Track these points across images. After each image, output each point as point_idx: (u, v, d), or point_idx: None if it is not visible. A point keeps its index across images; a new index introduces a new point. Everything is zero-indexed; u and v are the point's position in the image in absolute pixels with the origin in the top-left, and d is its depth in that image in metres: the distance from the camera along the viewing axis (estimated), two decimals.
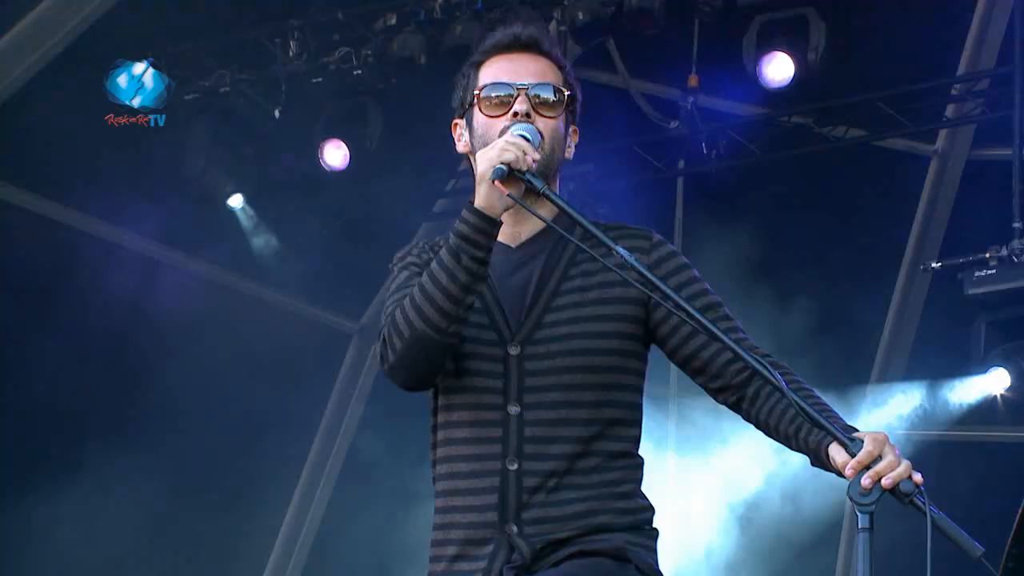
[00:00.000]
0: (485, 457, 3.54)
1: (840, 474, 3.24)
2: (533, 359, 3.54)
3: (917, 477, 3.15)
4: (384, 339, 3.52)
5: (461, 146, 3.69)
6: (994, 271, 8.90)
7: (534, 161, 3.43)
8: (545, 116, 3.59)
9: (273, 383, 10.38)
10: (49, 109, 9.44)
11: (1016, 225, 8.91)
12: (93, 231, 10.07)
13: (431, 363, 3.50)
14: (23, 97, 9.55)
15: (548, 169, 3.56)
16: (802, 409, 3.25)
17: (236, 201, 10.22)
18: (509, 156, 3.39)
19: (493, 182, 3.38)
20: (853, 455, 3.19)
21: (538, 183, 3.42)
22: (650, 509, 3.61)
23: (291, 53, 9.82)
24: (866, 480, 3.15)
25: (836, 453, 3.26)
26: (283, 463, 11.09)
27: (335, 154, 10.00)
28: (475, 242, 3.40)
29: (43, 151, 9.52)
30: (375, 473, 10.91)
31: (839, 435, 3.23)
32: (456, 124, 3.70)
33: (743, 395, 3.57)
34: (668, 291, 3.38)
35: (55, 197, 9.94)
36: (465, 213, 3.42)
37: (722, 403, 3.63)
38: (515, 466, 3.51)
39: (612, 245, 3.37)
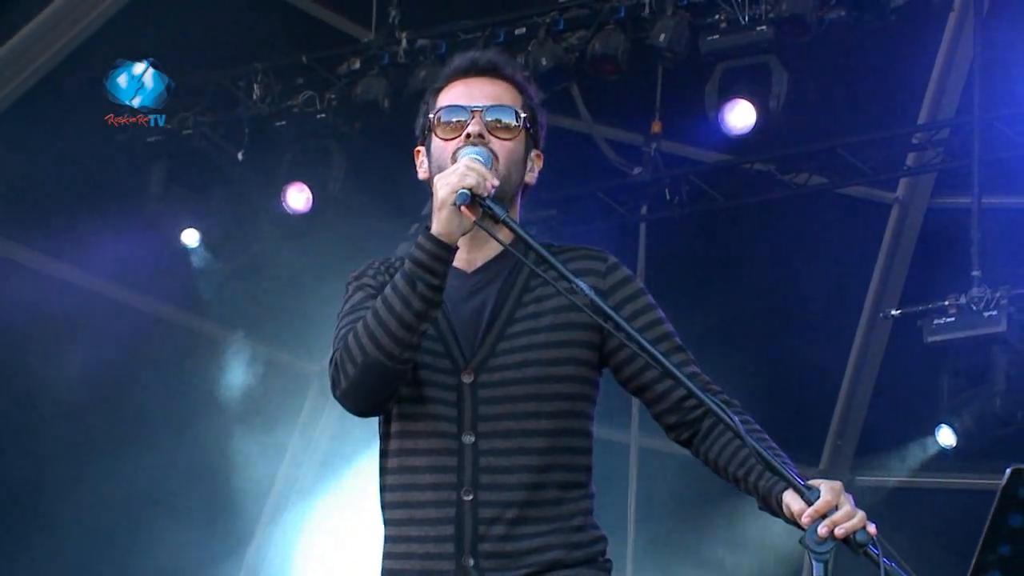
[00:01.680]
0: (440, 487, 3.50)
1: (793, 521, 3.24)
2: (487, 387, 3.51)
3: (871, 528, 3.16)
4: (336, 364, 3.49)
5: (421, 173, 3.67)
6: (953, 319, 8.94)
7: (493, 186, 3.40)
8: (501, 138, 3.57)
9: (234, 424, 10.35)
10: (8, 148, 9.45)
11: (975, 274, 8.96)
12: (47, 269, 10.04)
13: (384, 389, 3.47)
14: None
15: (504, 193, 3.53)
16: (759, 454, 3.25)
17: (191, 239, 10.16)
18: (471, 180, 3.35)
19: (459, 207, 3.34)
20: (810, 503, 3.19)
21: (499, 210, 3.38)
22: (603, 540, 3.59)
23: (255, 96, 9.83)
24: (823, 529, 3.15)
25: (792, 501, 3.25)
26: (245, 503, 11.04)
27: (298, 197, 10.00)
28: (431, 268, 3.37)
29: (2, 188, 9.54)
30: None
31: (797, 483, 3.23)
32: (418, 151, 3.69)
33: (696, 431, 3.56)
34: (623, 323, 3.36)
35: (8, 235, 9.93)
36: (421, 239, 3.39)
37: (674, 439, 3.61)
38: (470, 497, 3.48)
39: (572, 279, 3.35)
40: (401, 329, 3.39)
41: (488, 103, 3.59)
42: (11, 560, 9.89)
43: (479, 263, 3.59)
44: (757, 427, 3.45)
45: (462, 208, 3.34)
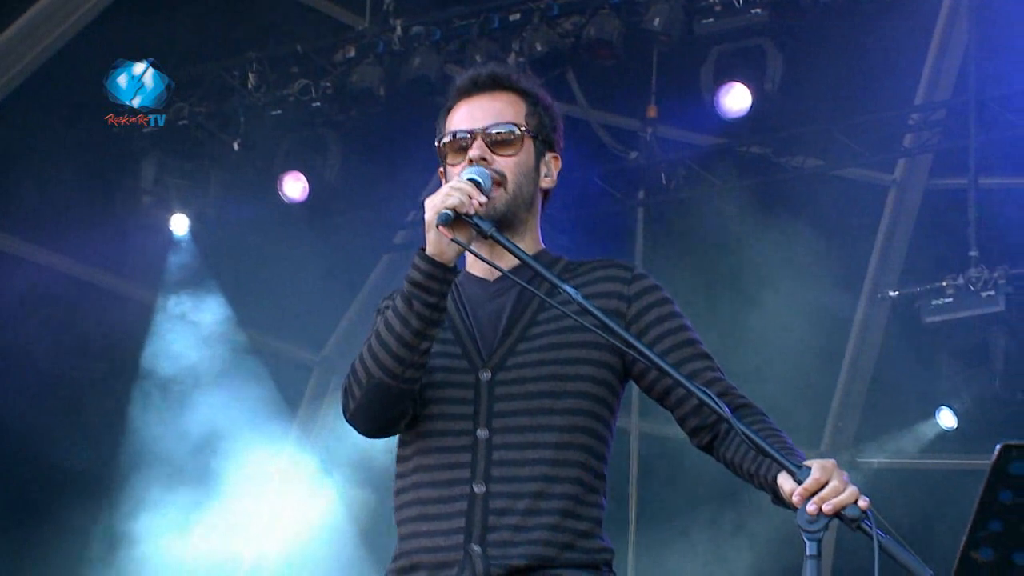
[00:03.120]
0: (454, 482, 3.52)
1: (790, 504, 3.24)
2: (503, 384, 3.53)
3: (863, 502, 3.15)
4: (345, 388, 3.54)
5: None
6: (951, 299, 8.95)
7: (481, 204, 3.41)
8: (504, 155, 3.59)
9: (232, 416, 10.35)
10: (9, 138, 9.46)
11: (972, 254, 8.96)
12: (40, 259, 10.06)
13: (391, 410, 3.50)
14: None
15: (515, 207, 3.57)
16: (748, 438, 3.25)
17: (179, 226, 10.14)
18: (453, 201, 3.38)
19: (439, 227, 3.37)
20: (800, 483, 3.20)
21: (485, 226, 3.40)
22: (609, 551, 3.60)
23: (250, 85, 9.83)
24: (811, 507, 3.15)
25: (784, 481, 3.25)
26: (243, 492, 11.03)
27: (294, 186, 10.00)
28: (427, 288, 3.40)
29: None
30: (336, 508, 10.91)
31: (786, 463, 3.23)
32: (441, 172, 3.71)
33: (716, 434, 3.57)
34: (624, 334, 3.34)
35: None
36: (416, 260, 3.42)
37: (697, 445, 3.63)
38: (482, 489, 3.50)
39: (560, 283, 3.35)
40: (401, 348, 3.43)
41: (487, 123, 3.62)
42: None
43: (500, 273, 3.59)
44: (773, 426, 3.49)
45: (440, 228, 3.37)
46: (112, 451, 10.07)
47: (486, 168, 3.54)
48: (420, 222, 3.43)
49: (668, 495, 10.68)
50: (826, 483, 3.17)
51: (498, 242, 3.42)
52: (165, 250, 10.19)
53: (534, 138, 3.65)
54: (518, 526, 3.48)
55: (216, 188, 10.07)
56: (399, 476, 3.64)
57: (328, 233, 10.46)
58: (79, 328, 9.93)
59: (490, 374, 3.54)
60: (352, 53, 9.76)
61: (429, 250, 3.41)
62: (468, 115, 3.65)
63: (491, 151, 3.59)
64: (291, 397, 11.32)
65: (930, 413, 9.92)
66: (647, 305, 3.61)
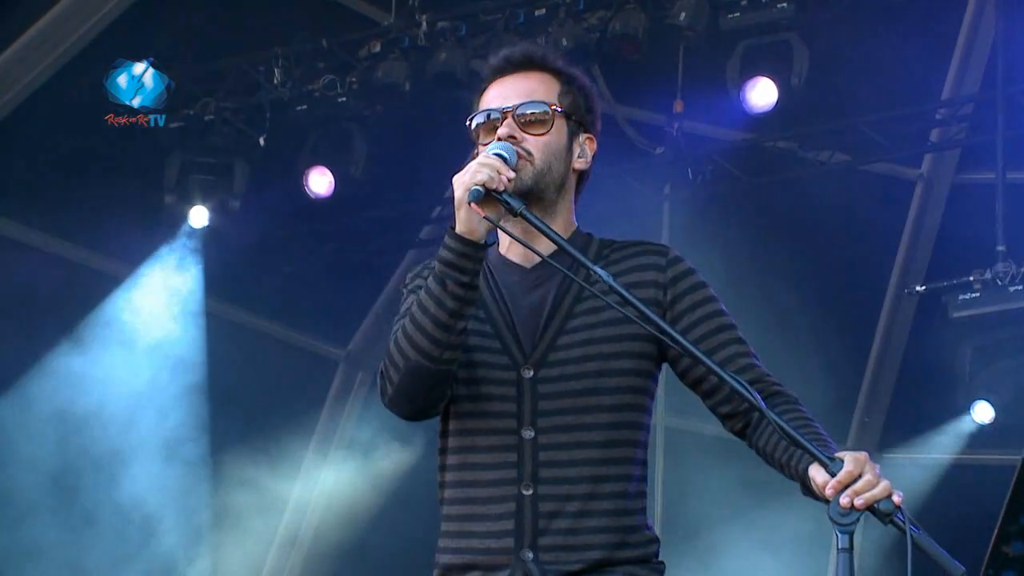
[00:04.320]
0: (501, 482, 3.51)
1: (822, 497, 3.23)
2: (547, 382, 3.50)
3: (897, 497, 3.13)
4: (381, 371, 3.51)
5: None
6: (978, 294, 8.92)
7: (509, 180, 3.39)
8: (534, 134, 3.56)
9: (259, 410, 10.37)
10: (33, 136, 9.48)
11: (1000, 248, 8.93)
12: (67, 254, 10.09)
13: (430, 392, 3.48)
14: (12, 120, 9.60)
15: (543, 185, 3.53)
16: (781, 428, 3.23)
17: (199, 219, 10.13)
18: (482, 176, 3.35)
19: (470, 204, 3.35)
20: (833, 475, 3.18)
21: (516, 203, 3.37)
22: (656, 542, 3.59)
23: (275, 81, 9.83)
24: (844, 499, 3.13)
25: (816, 473, 3.23)
26: (270, 491, 11.05)
27: (320, 181, 10.00)
28: (459, 267, 3.37)
29: (24, 176, 9.57)
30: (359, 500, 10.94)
31: (819, 455, 3.22)
32: (474, 156, 3.64)
33: (748, 421, 3.56)
34: (658, 320, 3.33)
35: (30, 223, 9.97)
36: (447, 239, 3.39)
37: (729, 430, 3.61)
38: (530, 491, 3.48)
39: (591, 266, 3.33)
40: (437, 330, 3.40)
41: (518, 101, 3.59)
42: None
43: (537, 258, 3.56)
44: (807, 415, 3.47)
45: (472, 205, 3.34)
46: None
47: (513, 146, 3.51)
48: (446, 218, 3.41)
49: (695, 490, 10.67)
50: (859, 476, 3.15)
51: (527, 220, 3.39)
52: (196, 245, 10.20)
53: (567, 118, 3.62)
54: (570, 529, 3.47)
55: (241, 183, 10.06)
56: (443, 468, 3.62)
57: (354, 228, 10.46)
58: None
59: (532, 372, 3.51)
60: (378, 48, 9.75)
61: (459, 228, 3.37)
62: (500, 94, 3.62)
63: (521, 130, 3.56)
64: (317, 392, 11.33)
65: (958, 408, 9.87)
66: (683, 291, 3.58)
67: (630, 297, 3.33)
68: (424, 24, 9.61)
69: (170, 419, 10.04)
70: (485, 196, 3.36)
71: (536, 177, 3.52)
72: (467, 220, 3.36)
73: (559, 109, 3.61)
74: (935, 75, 10.05)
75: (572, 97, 3.64)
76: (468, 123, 3.65)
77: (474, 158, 3.62)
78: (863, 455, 3.19)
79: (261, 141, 9.89)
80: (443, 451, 3.63)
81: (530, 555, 3.46)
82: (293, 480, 11.18)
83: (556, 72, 3.66)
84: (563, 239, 3.42)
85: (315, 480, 11.27)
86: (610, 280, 3.30)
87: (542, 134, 3.57)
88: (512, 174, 3.41)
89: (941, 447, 10.47)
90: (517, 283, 3.57)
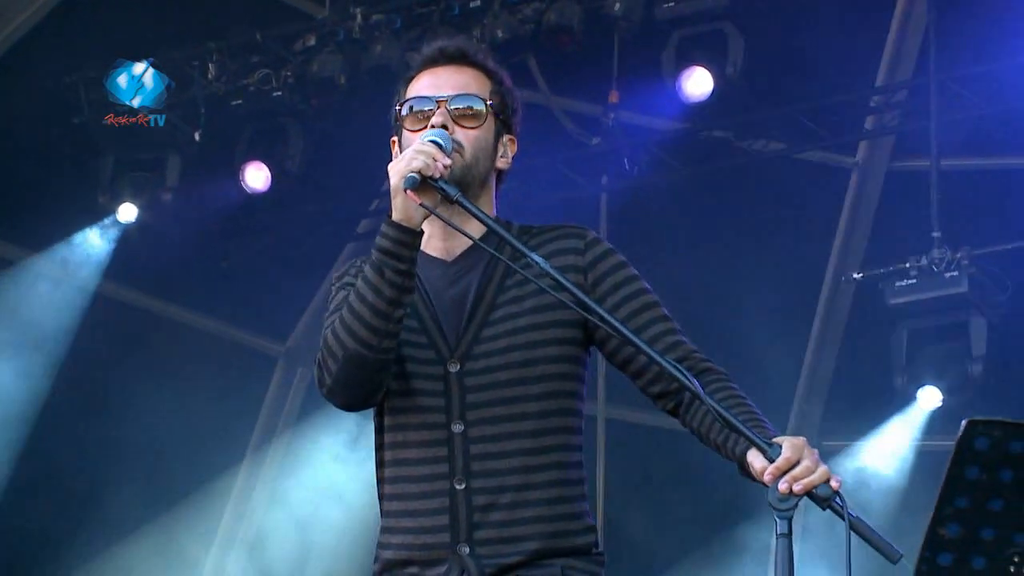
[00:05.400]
0: (433, 477, 3.52)
1: (760, 481, 3.24)
2: (473, 375, 3.52)
3: (835, 482, 3.16)
4: (319, 362, 3.51)
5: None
6: (915, 281, 8.96)
7: (446, 167, 3.40)
8: (466, 127, 3.57)
9: (196, 409, 10.32)
10: None
11: (935, 235, 8.97)
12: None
13: (368, 382, 3.48)
14: None
15: (470, 178, 3.55)
16: (719, 414, 3.25)
17: (127, 215, 10.05)
18: (418, 164, 3.36)
19: (406, 192, 3.36)
20: (772, 460, 3.19)
21: (451, 190, 3.39)
22: (594, 530, 3.60)
23: (210, 75, 9.78)
24: (783, 485, 3.15)
25: (754, 459, 3.26)
26: (209, 489, 11.01)
27: (256, 176, 9.96)
28: (397, 255, 3.38)
29: None
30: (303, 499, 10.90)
31: (757, 440, 3.23)
32: (393, 141, 3.70)
33: (679, 401, 3.57)
34: (590, 303, 3.36)
35: None
36: (384, 227, 3.40)
37: (661, 409, 3.62)
38: (462, 485, 3.49)
39: (527, 252, 3.35)
40: (376, 318, 3.40)
41: (453, 92, 3.59)
42: None
43: (458, 251, 3.60)
44: (739, 393, 3.50)
45: (408, 193, 3.35)
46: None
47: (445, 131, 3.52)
48: (384, 211, 3.40)
49: (639, 482, 10.69)
50: (797, 462, 3.17)
51: (463, 207, 3.41)
52: (131, 242, 10.14)
53: (496, 116, 3.64)
54: (505, 521, 3.49)
55: (174, 176, 10.01)
56: (379, 464, 3.64)
57: (291, 223, 10.42)
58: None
59: (458, 365, 3.53)
60: (312, 42, 9.72)
61: (396, 216, 3.39)
62: (433, 84, 3.63)
63: (454, 122, 3.56)
64: (256, 388, 11.28)
65: (899, 395, 9.89)
66: (603, 272, 3.59)
67: (566, 282, 3.35)
68: (359, 17, 9.59)
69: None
70: (420, 184, 3.36)
71: (464, 170, 3.53)
72: (403, 208, 3.38)
73: (492, 104, 3.62)
74: (869, 63, 10.09)
75: (501, 97, 3.66)
76: (395, 108, 3.64)
77: (393, 145, 3.66)
78: (801, 440, 3.22)
79: (196, 136, 9.84)
80: (379, 447, 3.64)
81: (466, 549, 3.47)
82: (231, 482, 11.14)
83: (488, 71, 3.68)
84: (499, 226, 3.46)
85: (255, 477, 11.23)
86: (546, 266, 3.33)
87: (474, 128, 3.58)
88: (448, 161, 3.42)
89: (881, 433, 10.51)
90: (439, 277, 3.58)
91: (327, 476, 10.78)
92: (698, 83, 9.12)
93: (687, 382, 3.27)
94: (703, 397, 3.24)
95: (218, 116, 9.84)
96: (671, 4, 9.01)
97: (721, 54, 9.01)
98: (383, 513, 3.62)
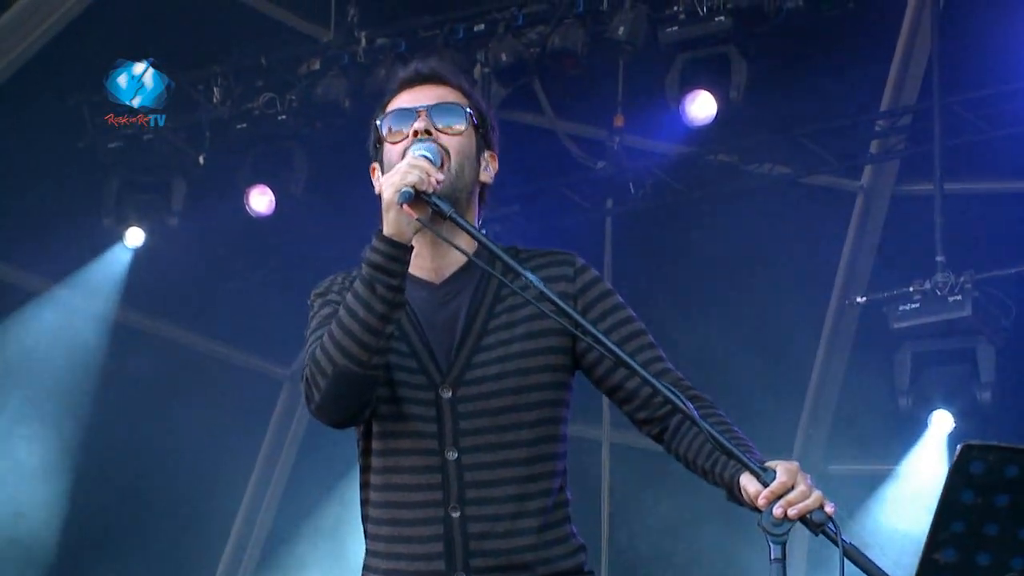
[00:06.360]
0: (427, 504, 3.50)
1: (753, 506, 3.23)
2: (466, 401, 3.49)
3: (829, 508, 3.14)
4: (307, 379, 3.47)
5: (377, 187, 3.54)
6: (918, 304, 8.94)
7: (438, 182, 3.39)
8: (448, 134, 3.55)
9: (202, 432, 10.31)
10: None
11: (939, 259, 8.96)
12: (7, 278, 10.04)
13: (357, 398, 3.45)
14: None
15: (457, 190, 3.51)
16: (713, 438, 3.23)
17: (134, 239, 10.07)
18: (412, 178, 3.34)
19: (401, 206, 3.32)
20: (766, 485, 3.18)
21: (445, 206, 3.37)
22: (584, 549, 3.59)
23: (215, 99, 9.80)
24: (778, 510, 3.13)
25: (748, 483, 3.24)
26: (215, 513, 11.00)
27: (260, 200, 9.97)
28: (388, 270, 3.35)
29: None
30: (309, 520, 10.87)
31: (751, 465, 3.22)
32: (373, 168, 3.66)
33: (665, 427, 3.55)
34: (586, 324, 3.35)
35: None
36: (375, 242, 3.37)
37: (646, 435, 3.60)
38: (458, 513, 3.48)
39: (527, 275, 3.33)
40: (366, 334, 3.37)
41: (433, 102, 3.58)
42: None
43: (447, 273, 3.57)
44: (727, 420, 3.46)
45: (404, 207, 3.32)
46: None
47: (432, 143, 3.50)
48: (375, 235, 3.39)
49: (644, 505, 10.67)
50: (792, 486, 3.16)
51: (456, 223, 3.38)
52: (135, 266, 10.15)
53: (476, 129, 3.62)
54: (500, 550, 3.48)
55: (179, 200, 10.03)
56: (365, 486, 3.60)
57: (295, 246, 10.42)
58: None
59: (451, 392, 3.50)
60: (317, 66, 9.74)
61: (388, 230, 3.35)
62: (412, 98, 3.61)
63: (437, 130, 3.54)
64: (262, 412, 11.28)
65: (903, 419, 9.87)
66: (593, 299, 3.58)
67: (561, 303, 3.34)
68: (363, 41, 9.61)
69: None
70: (415, 198, 3.34)
71: (450, 181, 3.49)
72: (396, 222, 3.35)
73: (471, 115, 3.61)
74: (874, 87, 10.09)
75: (480, 111, 3.65)
76: (378, 124, 3.61)
77: (373, 173, 3.63)
78: (794, 465, 3.20)
79: (201, 160, 9.85)
80: (365, 469, 3.61)
81: None
82: (237, 504, 11.13)
83: (463, 89, 3.67)
84: (493, 243, 3.42)
85: (261, 499, 11.22)
86: (540, 284, 3.31)
87: (457, 135, 3.57)
88: (441, 176, 3.41)
89: (887, 458, 10.49)
90: (426, 299, 3.55)
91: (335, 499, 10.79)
92: (702, 107, 9.13)
93: (682, 405, 3.25)
94: (698, 421, 3.22)
95: (223, 139, 9.85)
96: (675, 28, 9.01)
97: (725, 78, 9.02)
98: (369, 536, 3.59)
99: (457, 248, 3.46)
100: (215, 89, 9.82)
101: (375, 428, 3.55)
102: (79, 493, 9.96)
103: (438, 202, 3.36)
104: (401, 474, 3.52)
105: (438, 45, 9.42)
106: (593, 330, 3.33)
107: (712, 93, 9.08)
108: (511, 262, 3.37)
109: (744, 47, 9.00)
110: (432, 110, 3.56)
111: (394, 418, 3.51)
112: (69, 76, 9.61)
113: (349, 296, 3.41)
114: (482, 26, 9.40)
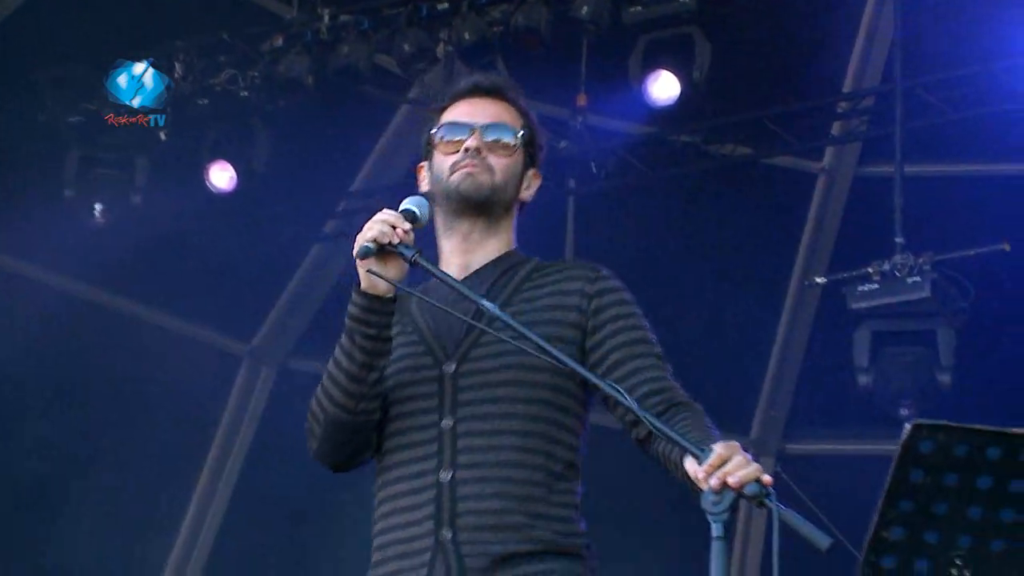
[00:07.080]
0: (422, 473, 3.60)
1: (697, 489, 3.24)
2: (467, 375, 3.61)
3: (766, 478, 3.17)
4: (307, 428, 3.65)
5: (424, 187, 3.82)
6: (877, 285, 8.97)
7: (405, 231, 3.50)
8: (499, 155, 3.72)
9: (159, 406, 10.29)
10: None
11: (898, 240, 8.99)
12: None
13: (352, 443, 3.64)
14: None
15: (496, 199, 3.71)
16: (651, 424, 3.32)
17: (100, 216, 10.04)
18: (372, 234, 3.48)
19: (362, 260, 3.48)
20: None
21: (408, 252, 3.49)
22: (586, 535, 3.65)
23: (176, 75, 9.74)
24: (714, 481, 3.15)
25: (690, 464, 3.28)
26: (172, 492, 10.97)
27: (221, 176, 9.93)
28: (365, 321, 3.52)
29: None
30: (267, 501, 10.86)
31: (688, 446, 3.26)
32: (421, 167, 3.84)
33: (650, 430, 3.58)
34: (541, 343, 3.43)
35: None
36: (353, 295, 3.54)
37: (633, 438, 3.66)
38: (449, 475, 3.56)
39: (477, 299, 3.46)
40: (350, 383, 3.56)
41: (488, 121, 3.75)
42: None
43: (474, 267, 3.73)
44: (707, 424, 3.53)
45: (359, 261, 3.48)
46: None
47: (476, 164, 3.68)
48: (351, 212, 3.48)
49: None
50: (729, 459, 3.18)
51: (421, 265, 3.51)
52: (96, 241, 10.10)
53: (525, 150, 3.79)
54: (489, 510, 3.54)
55: (143, 177, 9.98)
56: (376, 469, 3.72)
57: (257, 223, 10.39)
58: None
59: (454, 366, 3.62)
60: (280, 42, 9.69)
61: (363, 285, 3.52)
62: (469, 112, 3.78)
63: (487, 150, 3.72)
64: (221, 387, 11.25)
65: (862, 400, 9.90)
66: (606, 303, 3.70)
67: (523, 330, 3.44)
68: (326, 18, 9.56)
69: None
70: (381, 251, 3.48)
71: (493, 189, 3.69)
72: (365, 276, 3.52)
73: (523, 136, 3.78)
74: (836, 68, 10.12)
75: (531, 132, 3.83)
76: (429, 133, 3.79)
77: (419, 171, 3.83)
78: (734, 443, 3.24)
79: (162, 136, 9.81)
80: (376, 449, 3.71)
81: (449, 535, 3.54)
82: (192, 485, 11.11)
83: (518, 108, 3.83)
84: (455, 281, 3.56)
85: (218, 477, 11.19)
86: (499, 313, 3.43)
87: (505, 157, 3.74)
88: (408, 226, 3.52)
89: (845, 438, 10.54)
90: (447, 296, 3.64)
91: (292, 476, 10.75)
92: (665, 87, 9.14)
93: (624, 399, 3.35)
94: (635, 409, 3.32)
95: (184, 116, 9.81)
96: (638, 8, 9.02)
97: (688, 58, 9.02)
98: (378, 516, 3.69)
99: (445, 281, 3.56)
100: (177, 65, 9.75)
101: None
102: (29, 463, 9.93)
103: (403, 251, 3.49)
104: (402, 450, 3.64)
105: (401, 23, 9.40)
106: (551, 350, 3.42)
107: (675, 74, 9.09)
108: (474, 297, 3.49)
109: (708, 28, 9.00)
110: (486, 130, 3.73)
111: (398, 399, 3.65)
112: (30, 51, 9.55)
113: (337, 346, 3.58)
114: (445, 4, 9.37)
